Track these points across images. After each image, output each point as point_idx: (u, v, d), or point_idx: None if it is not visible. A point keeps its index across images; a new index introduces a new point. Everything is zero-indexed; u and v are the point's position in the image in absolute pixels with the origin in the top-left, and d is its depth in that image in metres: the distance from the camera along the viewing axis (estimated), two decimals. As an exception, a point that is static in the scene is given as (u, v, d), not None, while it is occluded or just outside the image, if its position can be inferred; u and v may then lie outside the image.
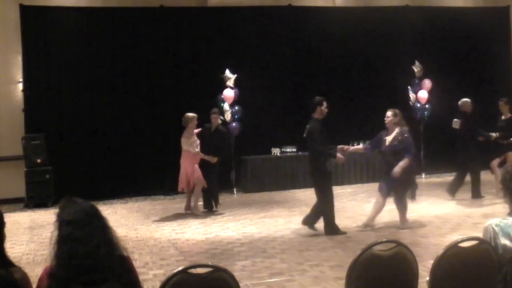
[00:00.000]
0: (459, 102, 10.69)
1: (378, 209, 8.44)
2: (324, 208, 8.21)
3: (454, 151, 11.07)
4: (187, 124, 9.98)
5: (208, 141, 10.18)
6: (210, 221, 9.57)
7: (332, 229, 8.16)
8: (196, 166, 10.02)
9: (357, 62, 14.28)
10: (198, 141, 10.07)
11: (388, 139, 8.26)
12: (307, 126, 8.17)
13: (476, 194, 10.58)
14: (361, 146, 9.15)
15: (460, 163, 10.83)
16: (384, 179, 8.48)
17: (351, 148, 8.95)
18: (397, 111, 8.32)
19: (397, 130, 8.19)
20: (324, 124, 8.23)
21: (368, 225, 8.44)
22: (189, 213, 10.26)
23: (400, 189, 8.26)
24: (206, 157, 10.00)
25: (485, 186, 10.79)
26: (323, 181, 8.17)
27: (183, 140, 10.04)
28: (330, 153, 8.18)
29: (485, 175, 11.02)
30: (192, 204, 10.27)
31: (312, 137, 8.05)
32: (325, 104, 8.19)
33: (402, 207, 8.38)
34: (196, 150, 9.98)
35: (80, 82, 12.63)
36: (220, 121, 10.68)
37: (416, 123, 14.07)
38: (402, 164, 8.04)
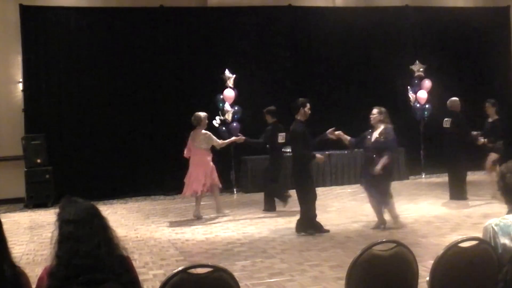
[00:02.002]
0: (448, 102, 10.55)
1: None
2: (305, 210, 8.23)
3: (442, 151, 10.95)
4: (200, 123, 9.70)
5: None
6: (210, 221, 9.56)
7: (313, 226, 8.17)
8: (212, 164, 9.79)
9: (357, 62, 14.27)
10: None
11: (374, 135, 8.23)
12: (290, 128, 8.19)
13: (458, 195, 10.32)
14: (349, 138, 8.67)
15: (447, 164, 10.73)
16: (364, 176, 8.50)
17: (341, 133, 8.53)
18: (382, 109, 8.32)
19: (382, 127, 8.20)
20: (307, 126, 8.23)
21: (381, 223, 8.36)
22: (195, 219, 9.84)
23: (382, 187, 8.17)
24: (233, 139, 10.25)
25: (477, 187, 10.75)
26: (306, 182, 8.18)
27: (200, 138, 9.65)
28: (310, 156, 8.12)
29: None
30: (205, 206, 10.03)
31: (295, 141, 8.08)
32: (308, 105, 8.21)
33: (387, 205, 8.29)
34: (220, 141, 9.89)
35: (80, 82, 12.63)
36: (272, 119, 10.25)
37: (416, 123, 14.09)
38: (383, 161, 8.02)
